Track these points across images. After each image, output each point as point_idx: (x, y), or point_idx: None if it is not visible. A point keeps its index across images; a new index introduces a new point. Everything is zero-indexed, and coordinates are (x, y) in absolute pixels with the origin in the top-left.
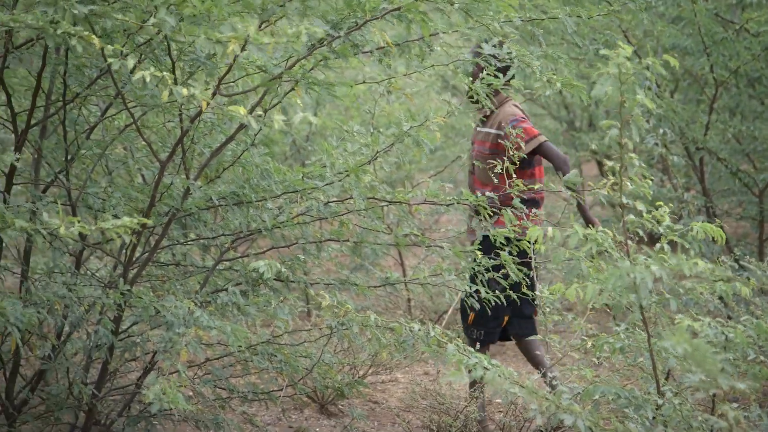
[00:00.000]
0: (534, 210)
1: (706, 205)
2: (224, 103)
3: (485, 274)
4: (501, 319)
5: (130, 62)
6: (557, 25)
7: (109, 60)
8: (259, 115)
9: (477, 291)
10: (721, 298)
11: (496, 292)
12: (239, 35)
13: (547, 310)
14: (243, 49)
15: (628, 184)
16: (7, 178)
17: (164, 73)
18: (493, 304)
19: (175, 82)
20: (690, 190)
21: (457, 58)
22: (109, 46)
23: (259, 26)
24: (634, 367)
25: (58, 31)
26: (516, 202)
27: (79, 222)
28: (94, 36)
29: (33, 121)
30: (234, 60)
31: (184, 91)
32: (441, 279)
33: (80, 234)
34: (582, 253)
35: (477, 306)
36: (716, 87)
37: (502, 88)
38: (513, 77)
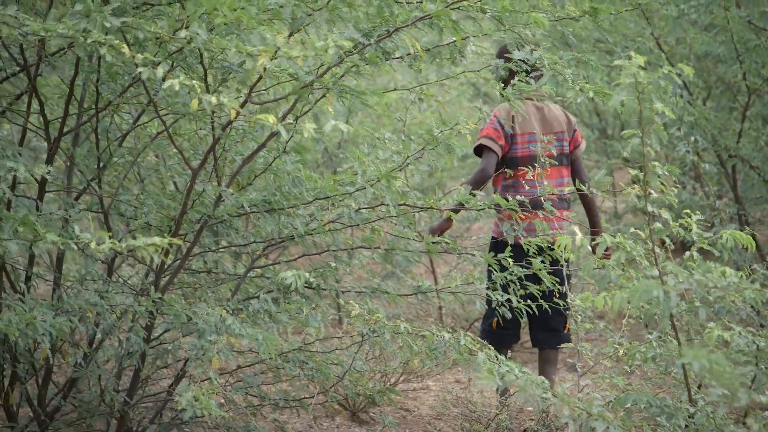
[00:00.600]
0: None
1: (738, 213)
2: (256, 110)
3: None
4: (514, 321)
5: (160, 71)
6: (588, 33)
7: (139, 69)
8: (290, 123)
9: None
10: (753, 306)
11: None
12: (269, 49)
13: (579, 318)
14: (273, 58)
15: (653, 192)
16: (40, 186)
17: (194, 81)
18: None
19: (207, 90)
20: (722, 198)
21: (488, 63)
22: (139, 55)
23: (289, 35)
24: (667, 376)
25: (89, 41)
26: (547, 204)
27: (110, 238)
28: (124, 45)
29: (66, 129)
30: (264, 71)
31: (213, 100)
32: (473, 287)
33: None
34: (611, 261)
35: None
36: (749, 95)
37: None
38: (538, 81)
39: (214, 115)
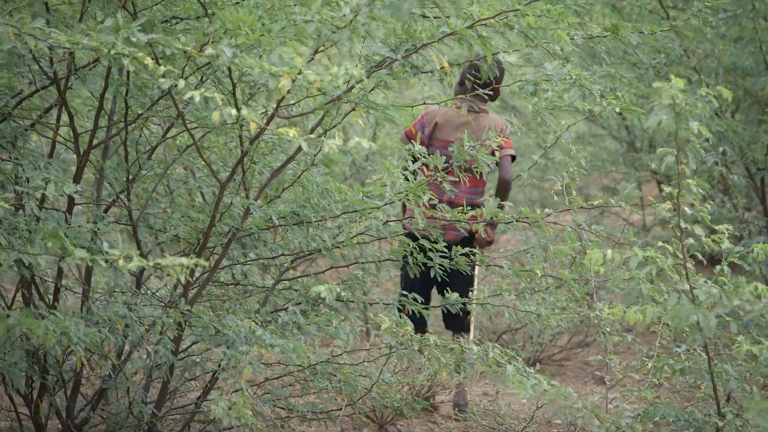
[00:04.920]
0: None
1: (767, 225)
2: (284, 123)
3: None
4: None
5: (181, 82)
6: (617, 44)
7: (160, 81)
8: (317, 138)
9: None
10: None
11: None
12: (291, 70)
13: (607, 330)
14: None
15: (686, 209)
16: (69, 198)
17: (215, 94)
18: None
19: (235, 104)
20: (751, 210)
21: (517, 78)
22: (161, 68)
23: (315, 52)
24: (695, 389)
25: (112, 52)
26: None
27: (138, 251)
28: (147, 57)
29: (95, 142)
30: (288, 91)
31: (234, 112)
32: (500, 299)
33: (140, 253)
34: (642, 274)
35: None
36: None
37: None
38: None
39: (242, 128)
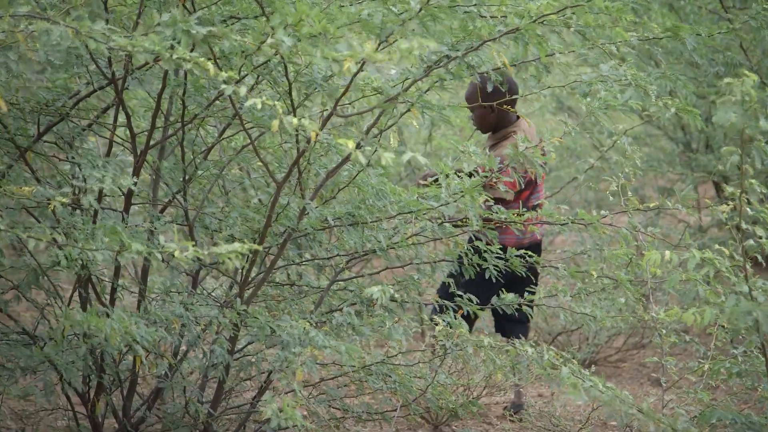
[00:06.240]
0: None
1: None
2: (342, 123)
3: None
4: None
5: (243, 89)
6: (675, 45)
7: (222, 87)
8: (374, 137)
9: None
10: None
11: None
12: (355, 53)
13: (663, 331)
14: (361, 69)
15: (748, 210)
16: (126, 198)
17: (276, 102)
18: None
19: (292, 104)
20: None
21: (574, 79)
22: (223, 72)
23: (378, 45)
24: (752, 391)
25: (174, 56)
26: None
27: (193, 246)
28: (208, 63)
29: (152, 142)
30: (351, 82)
31: (295, 122)
32: (556, 300)
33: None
34: (699, 276)
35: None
36: None
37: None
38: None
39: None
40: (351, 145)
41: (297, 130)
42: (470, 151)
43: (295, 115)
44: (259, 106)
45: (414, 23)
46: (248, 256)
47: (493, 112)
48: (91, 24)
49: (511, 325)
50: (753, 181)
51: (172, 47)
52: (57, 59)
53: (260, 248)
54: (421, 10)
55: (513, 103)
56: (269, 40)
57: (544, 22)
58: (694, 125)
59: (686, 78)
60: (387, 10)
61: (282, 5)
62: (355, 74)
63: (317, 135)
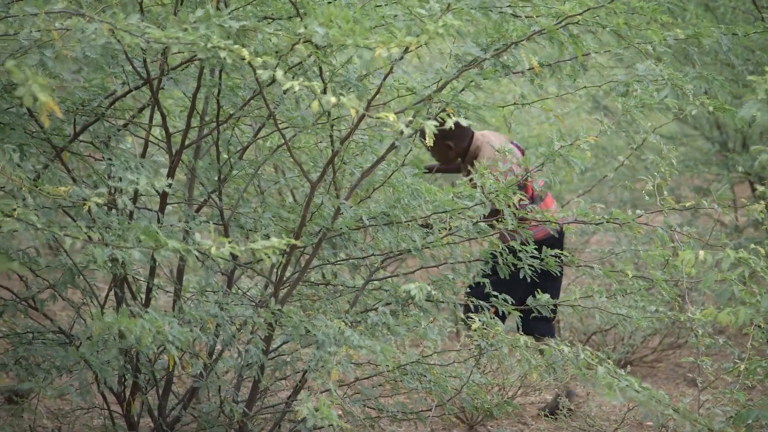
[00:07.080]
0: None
1: None
2: (375, 125)
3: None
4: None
5: (279, 73)
6: (711, 44)
7: (259, 72)
8: (408, 137)
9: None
10: None
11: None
12: (386, 39)
13: (699, 332)
14: (391, 71)
15: None
16: (161, 198)
17: (313, 82)
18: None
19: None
20: None
21: (610, 79)
22: (258, 58)
23: (404, 51)
24: None
25: (209, 45)
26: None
27: (229, 242)
28: (243, 49)
29: (187, 142)
30: (384, 80)
31: (333, 99)
32: (591, 301)
33: (231, 254)
34: (734, 276)
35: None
36: None
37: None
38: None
39: (333, 128)
40: (392, 117)
41: (331, 126)
42: (506, 150)
43: (329, 117)
44: (297, 89)
45: (437, 25)
46: (285, 253)
47: (451, 149)
48: (125, 18)
49: (534, 323)
50: None
51: (206, 37)
52: (93, 53)
53: (298, 242)
54: (448, 8)
55: (460, 132)
56: (301, 29)
57: (579, 22)
58: (732, 123)
59: (722, 78)
60: (409, 12)
61: (314, 7)
62: (387, 75)
63: (357, 112)
